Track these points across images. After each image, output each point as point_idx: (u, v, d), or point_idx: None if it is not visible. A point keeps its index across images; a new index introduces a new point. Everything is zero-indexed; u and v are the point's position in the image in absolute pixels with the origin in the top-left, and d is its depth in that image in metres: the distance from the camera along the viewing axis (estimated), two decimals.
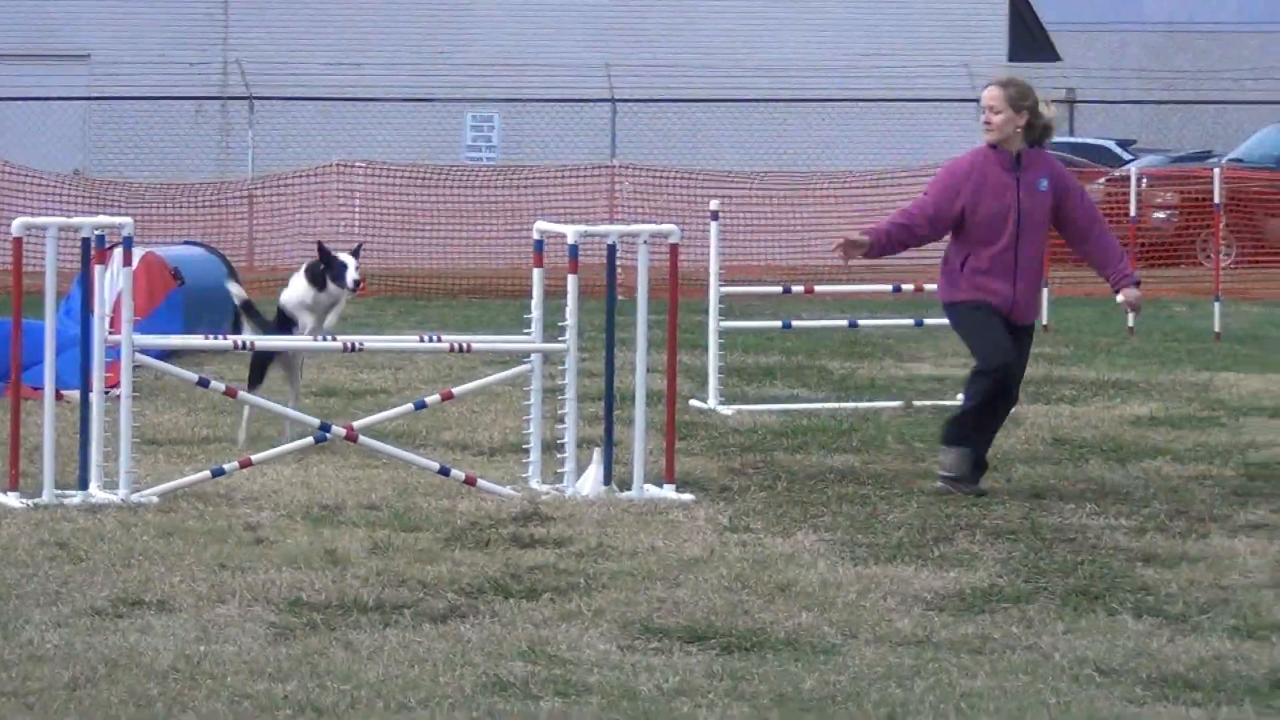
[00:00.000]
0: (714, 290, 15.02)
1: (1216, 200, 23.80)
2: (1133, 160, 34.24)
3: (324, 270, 12.78)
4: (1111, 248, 11.97)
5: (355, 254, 13.06)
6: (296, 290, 12.89)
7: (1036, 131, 11.64)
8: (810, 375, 17.15)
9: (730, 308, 15.59)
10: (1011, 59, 34.41)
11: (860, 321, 17.21)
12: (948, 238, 11.76)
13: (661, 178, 29.23)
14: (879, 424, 14.23)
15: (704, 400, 14.85)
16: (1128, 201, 24.17)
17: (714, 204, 15.70)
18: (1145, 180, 27.73)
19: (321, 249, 13.05)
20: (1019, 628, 8.65)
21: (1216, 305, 21.92)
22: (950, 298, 11.72)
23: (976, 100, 32.33)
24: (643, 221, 14.10)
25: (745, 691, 7.52)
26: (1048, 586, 9.43)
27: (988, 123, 11.56)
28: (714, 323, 14.97)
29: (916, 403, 15.16)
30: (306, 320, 12.84)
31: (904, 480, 12.03)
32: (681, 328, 12.24)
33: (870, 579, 9.39)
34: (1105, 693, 7.76)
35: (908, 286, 17.46)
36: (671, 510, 10.78)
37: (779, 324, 16.44)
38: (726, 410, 14.60)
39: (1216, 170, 25.35)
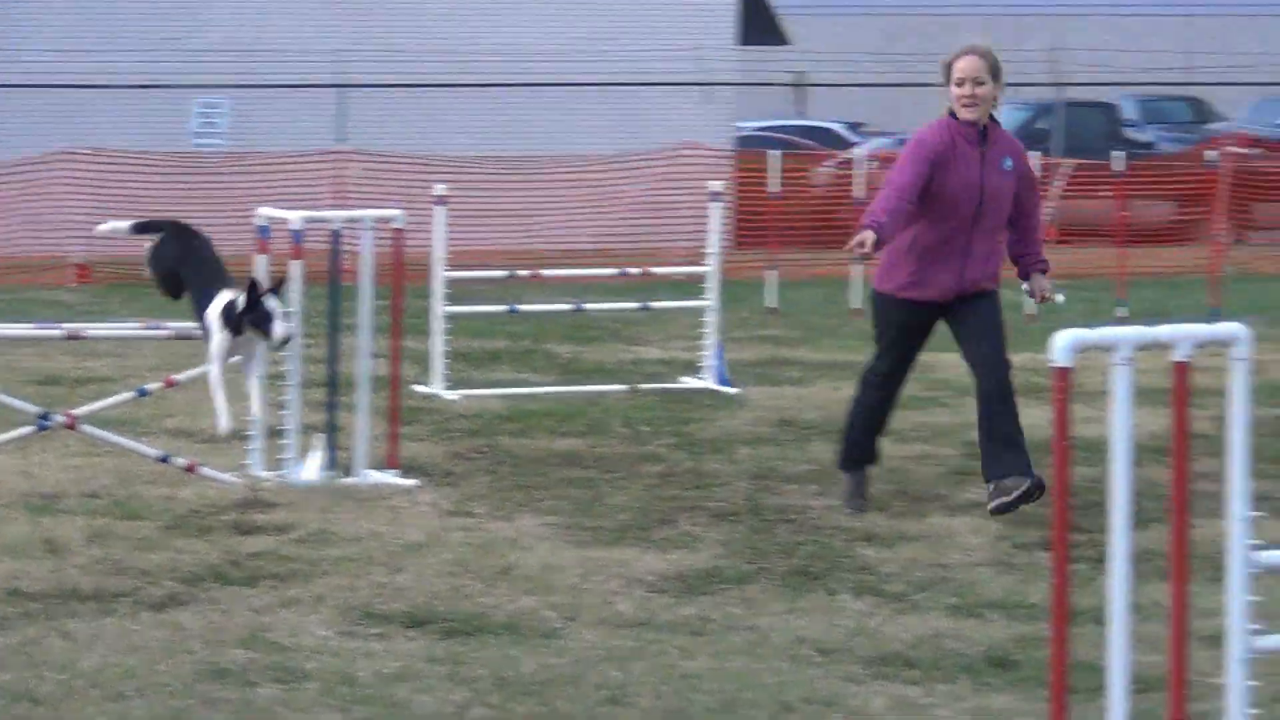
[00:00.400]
0: (438, 275, 15.06)
1: None
2: (861, 143, 34.87)
3: (243, 313, 10.87)
4: (1036, 234, 11.36)
5: (277, 292, 11.10)
6: (214, 314, 10.96)
7: (994, 104, 11.08)
8: (536, 359, 17.28)
9: (457, 293, 15.63)
10: (741, 42, 34.86)
11: (586, 305, 17.28)
12: None
13: (391, 163, 29.26)
14: (605, 407, 14.36)
15: (429, 385, 14.88)
16: (855, 183, 24.49)
17: (439, 189, 15.72)
18: (872, 162, 28.17)
19: (252, 286, 10.87)
20: (739, 609, 8.83)
21: None
22: (885, 287, 11.02)
23: (705, 84, 32.79)
24: (372, 207, 13.97)
25: (465, 675, 7.64)
26: (769, 567, 9.64)
27: (972, 97, 10.60)
28: (438, 307, 14.99)
29: (642, 386, 15.27)
30: (219, 345, 11.03)
31: (628, 464, 12.20)
32: (407, 313, 12.32)
33: (592, 562, 9.56)
34: (824, 672, 7.96)
35: (634, 270, 17.74)
36: (394, 495, 10.84)
37: (505, 308, 16.48)
38: (452, 395, 14.63)
39: None
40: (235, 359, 10.97)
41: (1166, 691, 6.36)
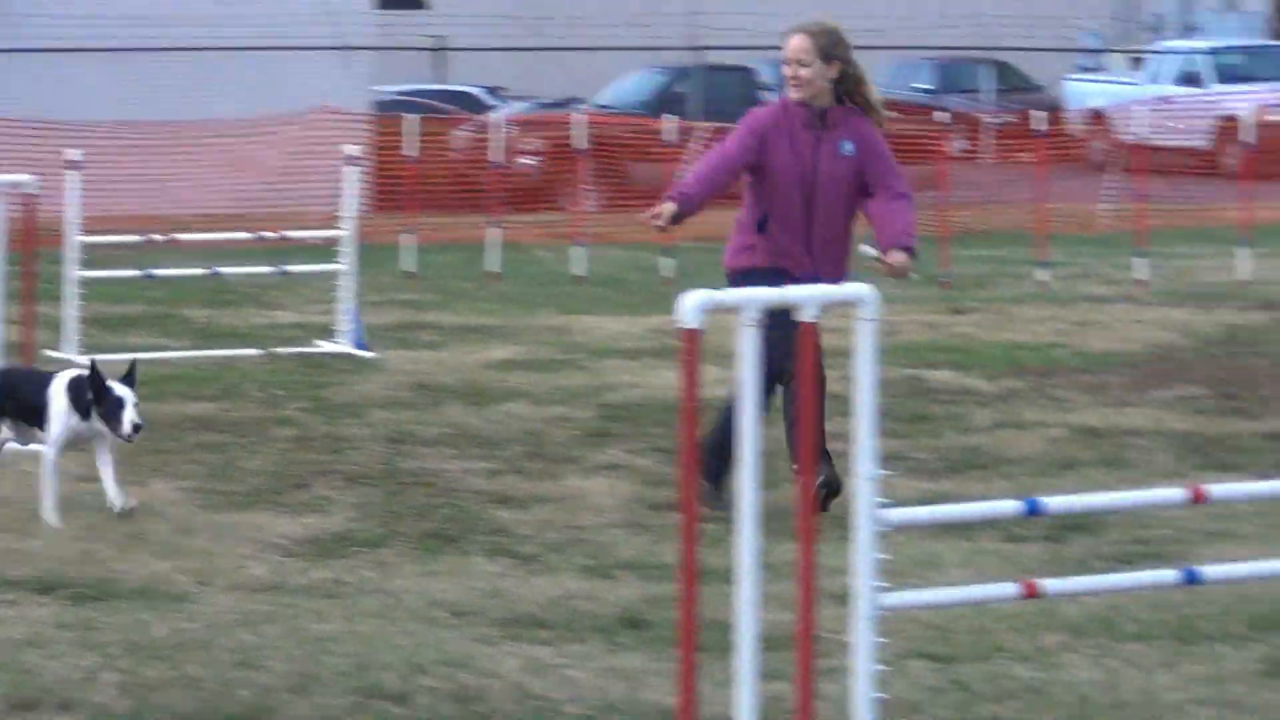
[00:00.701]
0: (72, 240, 15.01)
1: (579, 145, 24.65)
2: (499, 106, 35.35)
3: (91, 400, 9.79)
4: (900, 214, 10.87)
5: (130, 379, 10.00)
6: (58, 407, 9.83)
7: (849, 83, 10.69)
8: (172, 325, 17.32)
9: (93, 258, 15.65)
10: (379, 6, 35.09)
11: (222, 270, 17.41)
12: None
13: (21, 129, 29.03)
14: (240, 372, 14.48)
15: (61, 351, 14.81)
16: (493, 148, 24.87)
17: (73, 154, 15.71)
18: (511, 126, 28.63)
19: (94, 371, 9.82)
20: (373, 572, 9.04)
21: (578, 250, 22.81)
22: (741, 264, 10.69)
23: (342, 48, 32.76)
24: (3, 173, 13.95)
25: (95, 641, 7.72)
26: (403, 530, 9.88)
27: (795, 78, 10.51)
28: (72, 273, 14.92)
29: (277, 350, 15.41)
30: (59, 434, 9.85)
31: (262, 428, 12.37)
32: (41, 278, 12.28)
33: (225, 526, 9.71)
34: (457, 633, 8.20)
35: (270, 235, 17.87)
36: (23, 460, 10.78)
37: (140, 274, 16.51)
38: (84, 361, 14.53)
39: (579, 116, 26.49)
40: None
41: (795, 648, 6.54)
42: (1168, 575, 7.75)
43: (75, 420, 9.66)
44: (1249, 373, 15.78)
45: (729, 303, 6.45)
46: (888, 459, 9.46)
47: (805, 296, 6.50)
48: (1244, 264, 22.68)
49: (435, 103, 35.16)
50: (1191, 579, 7.53)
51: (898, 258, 10.65)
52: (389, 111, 30.70)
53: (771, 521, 8.17)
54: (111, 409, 9.61)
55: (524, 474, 11.48)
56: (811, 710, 6.63)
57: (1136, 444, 12.76)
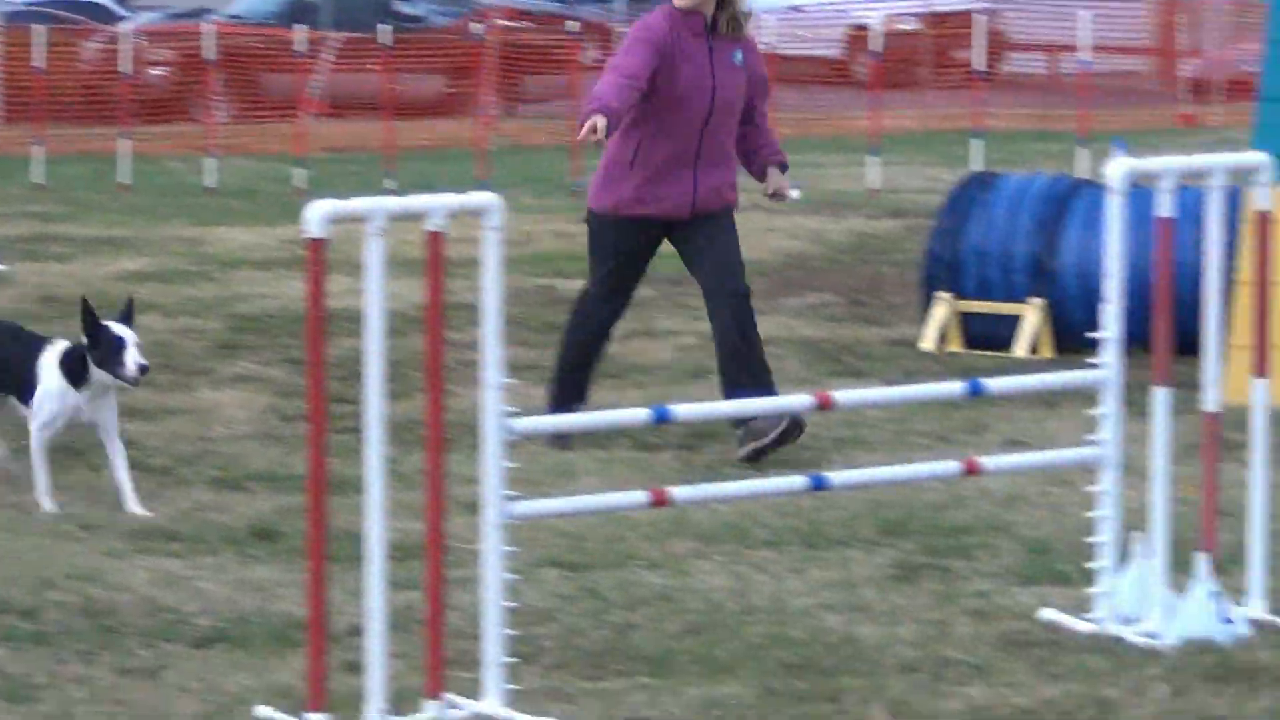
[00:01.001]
0: None
1: (209, 56, 24.71)
2: (129, 17, 35.33)
3: (84, 354, 8.67)
4: (768, 127, 10.60)
5: (128, 317, 8.90)
6: (50, 386, 8.73)
7: None
8: None
9: None
10: None
11: None
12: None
13: None
14: None
15: None
16: (122, 59, 25.05)
17: None
18: (141, 37, 28.89)
19: (87, 308, 8.70)
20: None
21: (210, 161, 22.98)
22: (605, 203, 10.24)
23: None
24: None
25: None
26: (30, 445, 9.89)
27: None
28: None
29: None
30: (55, 417, 8.80)
31: None
32: None
33: None
34: (85, 547, 8.26)
35: None
36: None
37: None
38: None
39: (209, 27, 26.34)
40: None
41: (424, 558, 6.59)
42: (797, 482, 7.86)
43: (71, 398, 8.63)
44: (878, 281, 16.21)
45: (355, 212, 6.40)
46: (519, 369, 9.51)
47: (432, 205, 6.47)
48: (873, 172, 23.34)
49: (64, 13, 34.84)
50: (820, 485, 7.67)
51: (780, 180, 10.39)
52: (16, 22, 30.44)
53: (404, 432, 8.35)
54: (111, 351, 8.56)
55: (154, 386, 11.35)
56: (442, 619, 6.68)
57: (767, 352, 12.99)
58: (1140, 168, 7.63)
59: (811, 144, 27.11)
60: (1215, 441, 7.87)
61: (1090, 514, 7.88)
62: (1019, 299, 13.44)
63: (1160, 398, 7.68)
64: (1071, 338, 12.17)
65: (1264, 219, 7.80)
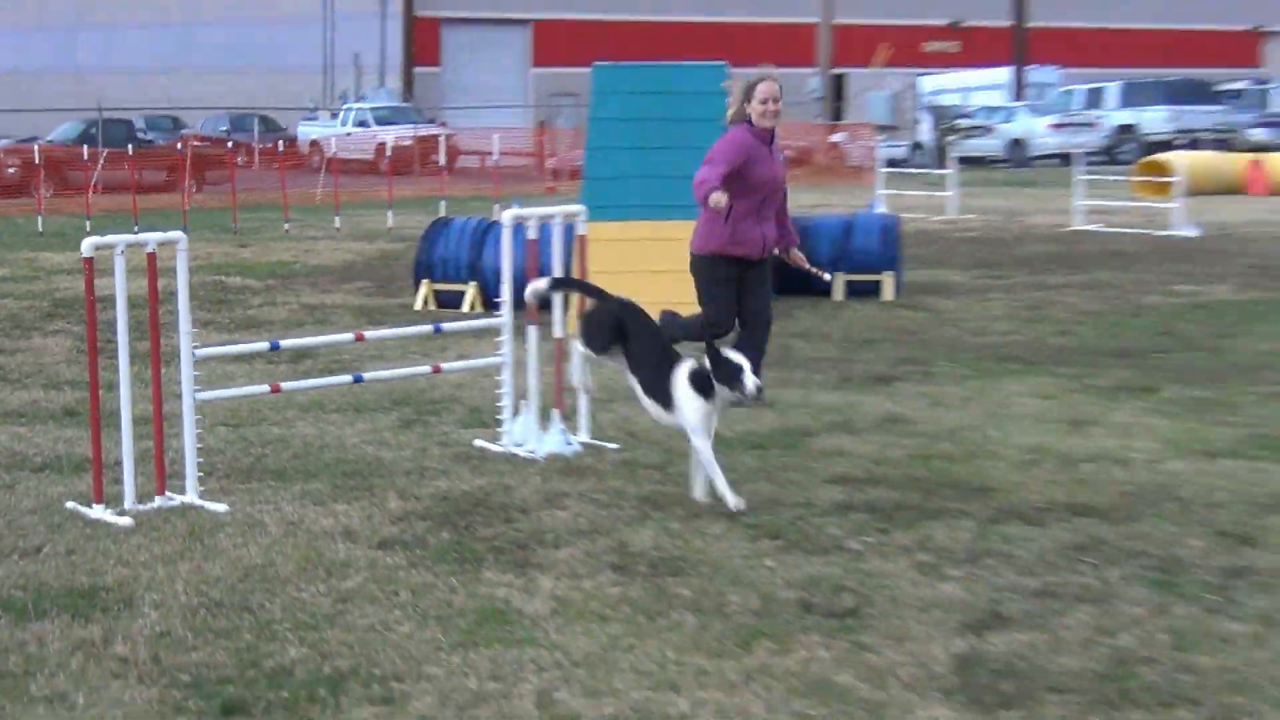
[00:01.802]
0: None
1: (38, 161, 32.79)
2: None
3: (708, 375, 8.59)
4: (788, 216, 11.06)
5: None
6: (683, 386, 8.66)
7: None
8: None
9: None
10: None
11: None
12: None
13: None
14: None
15: None
16: None
17: None
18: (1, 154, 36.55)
19: (711, 341, 8.68)
20: None
21: (40, 218, 28.73)
22: (710, 248, 10.73)
23: None
24: None
25: None
26: None
27: (776, 112, 10.53)
28: None
29: None
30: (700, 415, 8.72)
31: None
32: None
33: None
34: None
35: None
36: None
37: None
38: None
39: (38, 146, 35.09)
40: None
41: (152, 423, 8.58)
42: (347, 378, 10.27)
43: (705, 404, 8.62)
44: (393, 275, 20.45)
45: (109, 243, 8.06)
46: (202, 324, 12.09)
47: (149, 238, 8.15)
48: (396, 218, 30.08)
49: None
50: (359, 379, 10.11)
51: (800, 256, 11.08)
52: None
53: (141, 358, 9.08)
54: (732, 373, 8.54)
55: (8, 336, 14.86)
56: (164, 453, 8.79)
57: (334, 313, 16.57)
58: (521, 214, 9.93)
59: (356, 205, 34.59)
60: (560, 353, 10.07)
61: (500, 390, 10.18)
62: (464, 282, 17.21)
63: (531, 331, 9.99)
64: (490, 303, 15.13)
65: (583, 240, 10.28)
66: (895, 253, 18.30)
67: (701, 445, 8.56)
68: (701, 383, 8.58)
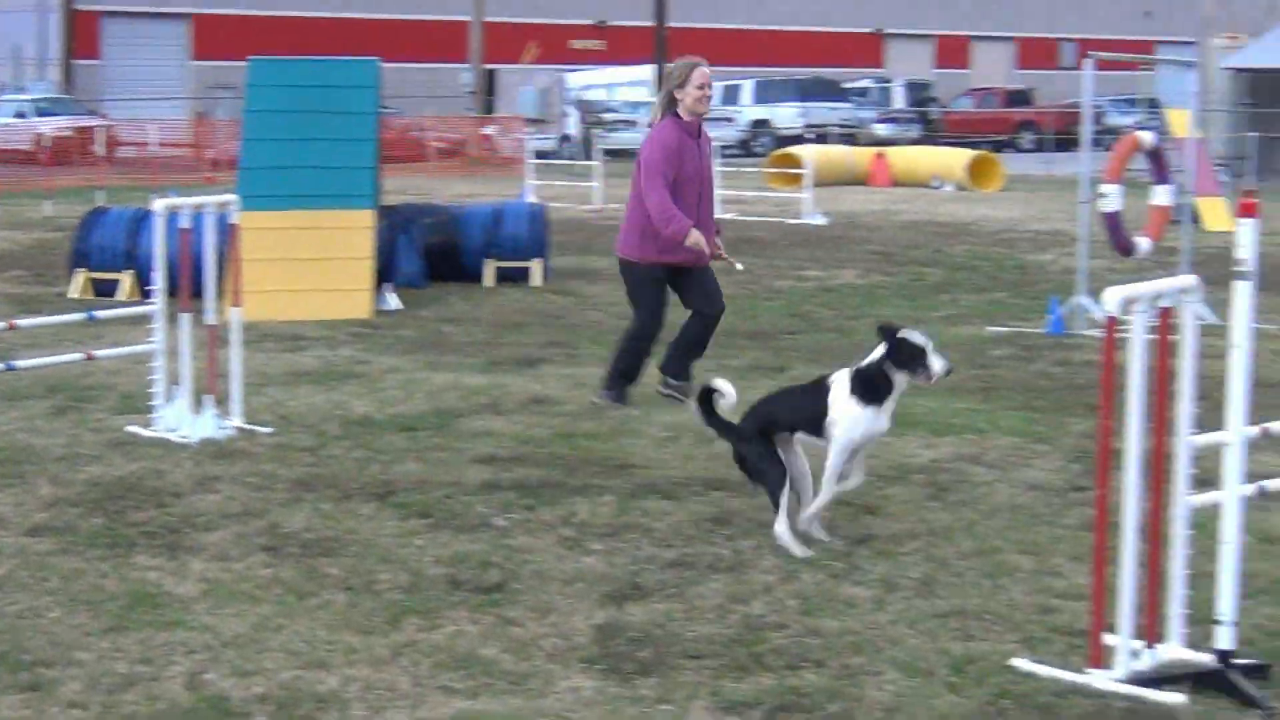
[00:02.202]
0: None
1: None
2: None
3: (889, 364, 7.59)
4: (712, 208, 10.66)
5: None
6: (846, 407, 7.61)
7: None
8: None
9: None
10: None
11: None
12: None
13: None
14: None
15: None
16: None
17: None
18: None
19: (889, 332, 7.63)
20: None
21: None
22: (647, 255, 10.40)
23: None
24: None
25: None
26: None
27: (709, 98, 10.29)
28: None
29: None
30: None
31: None
32: None
33: None
34: None
35: None
36: None
37: None
38: None
39: None
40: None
41: None
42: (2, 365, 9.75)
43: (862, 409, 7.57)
44: (50, 263, 19.61)
45: None
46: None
47: None
48: (49, 207, 28.70)
49: None
50: (11, 368, 10.00)
51: (719, 245, 10.62)
52: None
53: None
54: (915, 355, 7.56)
55: None
56: None
57: None
58: (175, 203, 9.83)
59: (15, 194, 32.13)
60: (215, 337, 9.95)
61: (153, 377, 9.86)
62: (120, 270, 17.05)
63: (184, 318, 9.84)
64: (146, 291, 13.34)
65: (235, 228, 10.06)
66: (543, 240, 18.41)
67: (837, 464, 7.51)
68: (866, 385, 7.53)
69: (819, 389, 7.63)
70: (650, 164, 10.11)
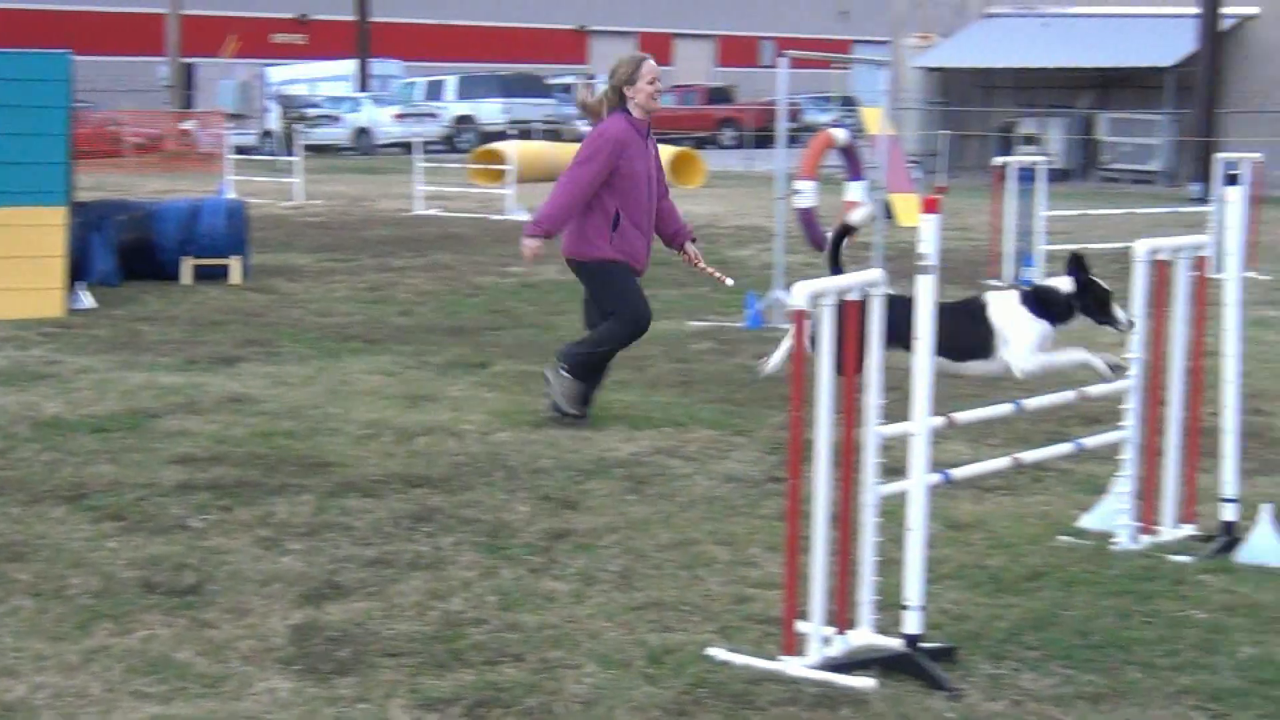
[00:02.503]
0: None
1: None
2: None
3: (1073, 298, 7.61)
4: (675, 209, 10.35)
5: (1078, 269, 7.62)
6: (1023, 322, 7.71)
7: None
8: None
9: None
10: None
11: None
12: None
13: None
14: None
15: None
16: None
17: None
18: None
19: (1079, 261, 7.64)
20: None
21: None
22: (596, 255, 9.83)
23: None
24: None
25: None
26: None
27: (661, 93, 9.90)
28: None
29: None
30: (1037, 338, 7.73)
31: None
32: None
33: None
34: None
35: None
36: None
37: None
38: None
39: None
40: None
41: None
42: None
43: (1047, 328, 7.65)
44: None
45: None
46: None
47: None
48: None
49: None
50: None
51: (695, 251, 10.36)
52: None
53: None
54: (1102, 299, 7.58)
55: None
56: None
57: None
58: None
59: None
60: None
61: None
62: None
63: None
64: None
65: None
66: (242, 236, 18.16)
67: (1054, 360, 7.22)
68: (1044, 302, 7.39)
69: (971, 311, 7.47)
70: (590, 148, 9.74)
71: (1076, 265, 7.64)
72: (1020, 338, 7.73)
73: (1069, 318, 7.66)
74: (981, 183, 29.52)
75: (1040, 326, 7.72)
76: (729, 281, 11.17)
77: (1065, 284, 7.63)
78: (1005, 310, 7.72)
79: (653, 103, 9.83)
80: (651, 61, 9.93)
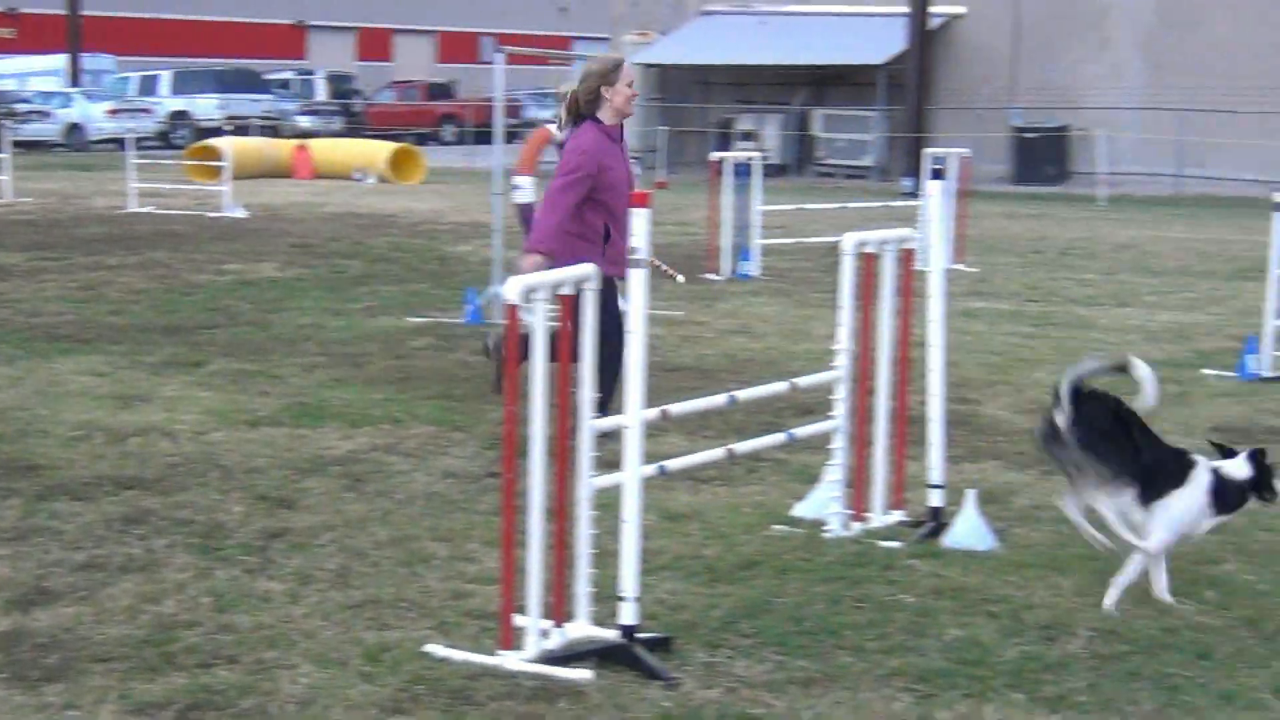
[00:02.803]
0: None
1: None
2: None
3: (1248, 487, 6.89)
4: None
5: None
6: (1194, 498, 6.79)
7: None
8: None
9: None
10: None
11: None
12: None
13: None
14: None
15: None
16: None
17: None
18: None
19: (1260, 457, 6.92)
20: None
21: None
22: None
23: None
24: None
25: None
26: None
27: (636, 96, 9.39)
28: None
29: None
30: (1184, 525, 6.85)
31: None
32: None
33: None
34: None
35: None
36: None
37: None
38: None
39: None
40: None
41: None
42: None
43: (1207, 519, 6.87)
44: None
45: None
46: None
47: None
48: None
49: None
50: None
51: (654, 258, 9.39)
52: None
53: None
54: (1272, 481, 6.98)
55: None
56: None
57: None
58: None
59: None
60: None
61: None
62: None
63: None
64: None
65: None
66: None
67: (1160, 542, 6.80)
68: (1226, 496, 6.85)
69: (1181, 463, 6.87)
70: (571, 163, 9.22)
71: (1257, 459, 7.02)
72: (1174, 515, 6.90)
73: (1238, 507, 7.01)
74: (700, 178, 29.81)
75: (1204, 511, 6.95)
76: (680, 278, 11.02)
77: (1240, 470, 6.97)
78: (1195, 484, 6.89)
79: (629, 108, 9.44)
80: (629, 64, 9.50)
